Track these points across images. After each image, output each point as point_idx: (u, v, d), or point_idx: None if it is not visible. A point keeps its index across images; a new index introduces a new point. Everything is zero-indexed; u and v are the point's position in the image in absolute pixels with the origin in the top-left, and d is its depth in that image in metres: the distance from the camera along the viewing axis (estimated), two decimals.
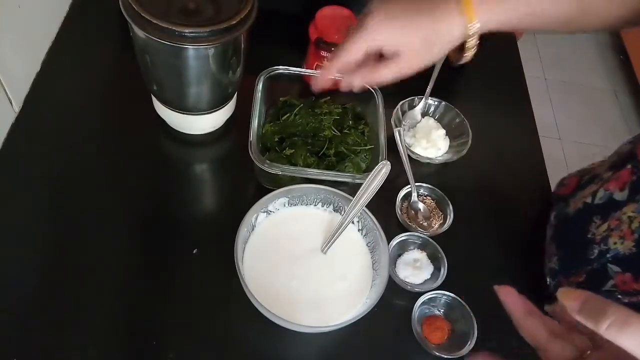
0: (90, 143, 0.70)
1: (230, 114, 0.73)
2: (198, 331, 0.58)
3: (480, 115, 0.81)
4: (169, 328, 0.58)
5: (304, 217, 0.63)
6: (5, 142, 0.67)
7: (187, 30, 0.55)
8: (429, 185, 0.72)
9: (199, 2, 0.58)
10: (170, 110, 0.68)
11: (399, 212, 0.70)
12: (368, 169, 0.68)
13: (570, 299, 0.34)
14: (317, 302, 0.57)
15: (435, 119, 0.80)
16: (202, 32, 0.55)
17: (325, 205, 0.63)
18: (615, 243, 0.56)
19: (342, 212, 0.61)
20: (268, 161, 0.63)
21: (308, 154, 0.67)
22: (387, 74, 0.54)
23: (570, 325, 0.36)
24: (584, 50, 2.46)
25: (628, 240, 0.55)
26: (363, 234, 0.62)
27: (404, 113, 0.79)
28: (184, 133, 0.72)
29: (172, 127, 0.72)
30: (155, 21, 0.54)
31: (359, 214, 0.59)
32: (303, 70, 0.73)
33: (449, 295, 0.63)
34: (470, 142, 0.75)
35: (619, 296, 0.56)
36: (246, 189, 0.70)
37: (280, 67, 0.71)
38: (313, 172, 0.63)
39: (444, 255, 0.65)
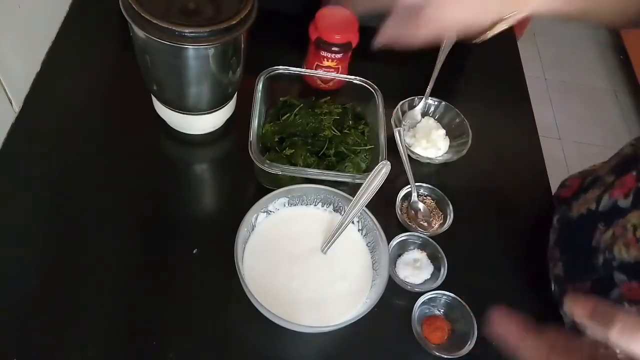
0: (90, 143, 0.70)
1: (230, 114, 0.73)
2: (198, 331, 0.58)
3: (480, 115, 0.81)
4: (169, 328, 0.58)
5: (304, 217, 0.63)
6: (5, 142, 0.67)
7: (187, 30, 0.55)
8: (429, 185, 0.72)
9: (199, 2, 0.58)
10: (170, 110, 0.68)
11: (399, 212, 0.70)
12: (368, 169, 0.68)
13: (578, 307, 0.33)
14: (317, 302, 0.57)
15: (435, 119, 0.80)
16: (202, 32, 0.55)
17: (325, 205, 0.63)
18: (620, 251, 0.56)
19: (342, 212, 0.61)
20: (268, 161, 0.63)
21: (308, 154, 0.67)
22: (426, 24, 0.51)
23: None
24: (584, 50, 2.46)
25: (633, 248, 0.54)
26: (363, 234, 0.62)
27: (404, 113, 0.79)
28: (184, 133, 0.72)
29: (172, 127, 0.72)
30: (155, 21, 0.54)
31: (359, 214, 0.59)
32: (303, 70, 0.73)
33: (449, 295, 0.63)
34: (470, 142, 0.75)
35: (627, 305, 0.55)
36: (246, 189, 0.70)
37: (280, 67, 0.71)
38: (313, 172, 0.63)
39: (444, 255, 0.65)
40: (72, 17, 0.81)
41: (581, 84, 2.33)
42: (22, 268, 0.59)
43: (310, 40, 0.76)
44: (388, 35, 0.54)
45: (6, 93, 0.66)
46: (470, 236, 0.71)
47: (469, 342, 0.59)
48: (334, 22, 0.74)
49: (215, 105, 0.69)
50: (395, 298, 0.63)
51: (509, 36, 0.97)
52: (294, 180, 0.64)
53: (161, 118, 0.71)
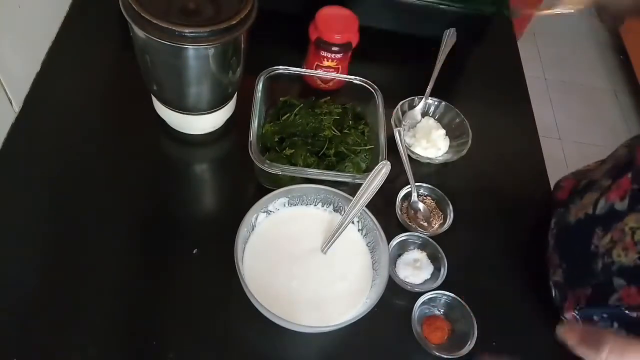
0: (90, 143, 0.70)
1: (230, 114, 0.73)
2: (198, 331, 0.58)
3: (480, 115, 0.81)
4: (169, 328, 0.58)
5: (304, 217, 0.63)
6: (5, 142, 0.67)
7: (187, 30, 0.55)
8: (429, 185, 0.72)
9: (199, 2, 0.58)
10: (170, 110, 0.68)
11: (399, 212, 0.70)
12: (368, 169, 0.68)
13: (568, 334, 0.35)
14: (317, 302, 0.57)
15: (435, 119, 0.80)
16: (202, 32, 0.55)
17: (325, 205, 0.63)
18: (619, 255, 0.56)
19: (342, 212, 0.61)
20: (268, 161, 0.63)
21: (308, 154, 0.67)
22: None
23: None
24: (584, 50, 2.46)
25: (632, 252, 0.54)
26: (363, 234, 0.62)
27: (404, 113, 0.79)
28: (184, 133, 0.72)
29: (172, 127, 0.72)
30: (155, 21, 0.54)
31: (359, 214, 0.59)
32: (303, 70, 0.73)
33: (449, 295, 0.63)
34: (470, 142, 0.75)
35: (626, 311, 0.55)
36: (246, 189, 0.70)
37: (280, 67, 0.71)
38: (313, 172, 0.63)
39: (444, 255, 0.65)
40: (72, 17, 0.81)
41: (581, 84, 2.33)
42: (22, 268, 0.59)
43: (310, 40, 0.76)
44: None
45: (6, 93, 0.66)
46: (470, 236, 0.71)
47: (469, 342, 0.59)
48: (334, 22, 0.74)
49: (215, 105, 0.69)
50: (395, 298, 0.63)
51: (509, 36, 0.97)
52: (294, 180, 0.64)
53: (161, 118, 0.71)
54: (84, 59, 0.78)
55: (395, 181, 0.72)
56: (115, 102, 0.75)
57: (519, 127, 0.85)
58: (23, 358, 0.54)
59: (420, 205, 0.72)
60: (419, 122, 0.79)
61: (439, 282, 0.64)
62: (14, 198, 0.64)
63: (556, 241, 0.68)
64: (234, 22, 0.57)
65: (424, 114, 0.81)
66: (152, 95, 0.70)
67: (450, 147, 0.77)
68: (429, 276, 0.65)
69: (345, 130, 0.71)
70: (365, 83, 0.72)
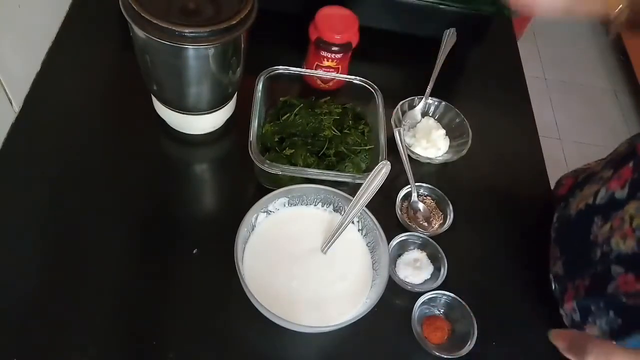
0: (90, 143, 0.70)
1: (230, 114, 0.73)
2: (198, 331, 0.58)
3: (480, 115, 0.81)
4: (169, 328, 0.58)
5: (304, 217, 0.63)
6: (5, 142, 0.67)
7: (187, 30, 0.55)
8: (429, 185, 0.72)
9: (199, 2, 0.58)
10: (170, 110, 0.68)
11: (399, 212, 0.70)
12: (368, 169, 0.68)
13: (557, 340, 0.36)
14: (317, 302, 0.57)
15: (435, 119, 0.80)
16: (202, 32, 0.55)
17: (325, 205, 0.63)
18: (617, 243, 0.56)
19: (342, 212, 0.61)
20: (268, 161, 0.63)
21: (308, 154, 0.67)
22: None
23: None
24: (584, 50, 2.46)
25: (630, 240, 0.54)
26: (363, 234, 0.62)
27: (404, 113, 0.79)
28: (184, 133, 0.72)
29: (172, 127, 0.72)
30: (155, 21, 0.54)
31: (359, 214, 0.59)
32: (303, 70, 0.73)
33: (449, 295, 0.63)
34: (470, 142, 0.75)
35: (624, 299, 0.55)
36: (246, 189, 0.70)
37: (280, 67, 0.71)
38: (313, 172, 0.63)
39: (444, 255, 0.65)
40: (72, 17, 0.81)
41: (581, 84, 2.33)
42: (22, 268, 0.59)
43: (310, 40, 0.76)
44: None
45: (6, 93, 0.66)
46: (470, 236, 0.71)
47: (469, 342, 0.59)
48: (334, 22, 0.74)
49: (215, 105, 0.69)
50: (395, 298, 0.63)
51: (509, 36, 0.97)
52: (294, 180, 0.64)
53: (161, 118, 0.71)
54: (84, 59, 0.78)
55: (395, 181, 0.72)
56: (115, 102, 0.75)
57: (519, 127, 0.85)
58: (23, 358, 0.54)
59: (420, 205, 0.72)
60: (419, 122, 0.79)
61: (439, 282, 0.64)
62: (14, 198, 0.64)
63: (557, 234, 0.68)
64: (234, 22, 0.57)
65: (424, 114, 0.81)
66: (152, 95, 0.70)
67: (450, 147, 0.77)
68: (429, 276, 0.65)
69: (345, 130, 0.71)
70: (365, 83, 0.72)
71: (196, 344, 0.57)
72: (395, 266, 0.66)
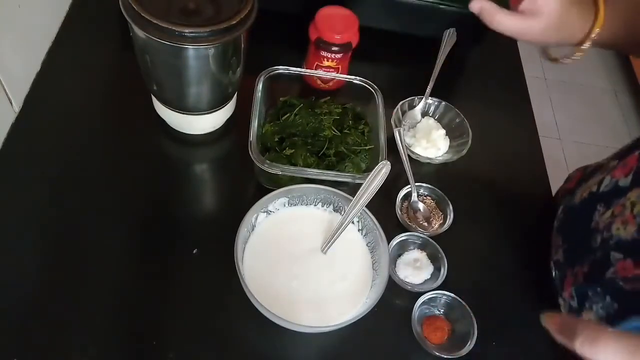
0: (90, 143, 0.70)
1: (230, 114, 0.73)
2: (198, 331, 0.58)
3: (480, 115, 0.81)
4: (169, 328, 0.58)
5: (304, 217, 0.63)
6: (5, 142, 0.67)
7: (187, 30, 0.55)
8: (429, 185, 0.72)
9: (199, 2, 0.58)
10: (170, 110, 0.68)
11: (399, 212, 0.70)
12: (368, 169, 0.68)
13: (549, 323, 0.36)
14: (317, 302, 0.57)
15: (435, 119, 0.80)
16: (202, 32, 0.55)
17: (325, 205, 0.63)
18: (618, 229, 0.56)
19: (342, 212, 0.61)
20: (268, 161, 0.63)
21: (308, 154, 0.67)
22: (507, 23, 0.55)
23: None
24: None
25: (630, 226, 0.54)
26: (363, 234, 0.62)
27: (404, 113, 0.79)
28: (184, 133, 0.72)
29: (172, 127, 0.72)
30: (155, 21, 0.54)
31: (359, 214, 0.59)
32: (303, 70, 0.73)
33: (449, 295, 0.63)
34: (470, 142, 0.75)
35: (621, 283, 0.55)
36: (246, 189, 0.70)
37: (280, 67, 0.71)
38: (313, 172, 0.63)
39: (444, 255, 0.65)
40: (72, 17, 0.81)
41: (581, 84, 2.33)
42: (22, 268, 0.59)
43: (310, 40, 0.76)
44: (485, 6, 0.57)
45: (6, 93, 0.66)
46: (470, 236, 0.71)
47: (469, 342, 0.59)
48: (334, 22, 0.74)
49: (215, 105, 0.69)
50: (395, 298, 0.63)
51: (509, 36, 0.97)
52: (294, 180, 0.64)
53: (161, 118, 0.71)
54: (84, 59, 0.78)
55: (395, 181, 0.72)
56: (115, 102, 0.75)
57: (519, 127, 0.85)
58: (23, 358, 0.54)
59: (420, 205, 0.72)
60: (419, 122, 0.79)
61: (439, 282, 0.64)
62: (14, 198, 0.64)
63: (560, 224, 0.68)
64: (234, 22, 0.57)
65: (424, 114, 0.81)
66: (152, 95, 0.70)
67: (450, 147, 0.77)
68: (429, 276, 0.65)
69: (345, 130, 0.71)
70: (365, 83, 0.72)
71: (196, 344, 0.57)
72: (395, 266, 0.66)
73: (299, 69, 0.72)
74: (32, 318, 0.56)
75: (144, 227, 0.65)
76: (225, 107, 0.70)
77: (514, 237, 0.72)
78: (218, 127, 0.73)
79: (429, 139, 0.76)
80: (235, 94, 0.72)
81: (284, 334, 0.54)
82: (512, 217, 0.74)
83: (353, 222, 0.62)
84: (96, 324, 0.57)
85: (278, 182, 0.65)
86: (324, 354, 0.61)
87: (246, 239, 0.59)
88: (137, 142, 0.72)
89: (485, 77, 0.91)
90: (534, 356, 0.63)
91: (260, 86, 0.68)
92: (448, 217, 0.70)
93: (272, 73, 0.70)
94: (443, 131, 0.78)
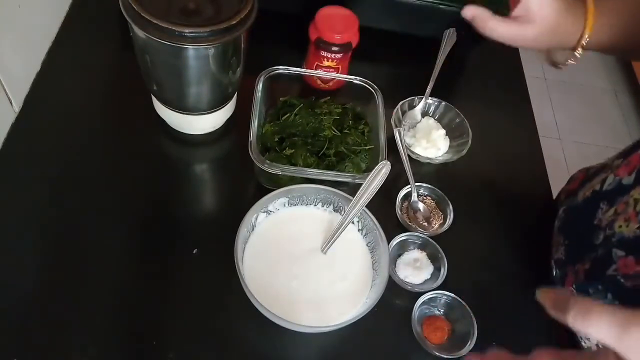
0: (90, 143, 0.70)
1: (230, 114, 0.73)
2: (198, 331, 0.58)
3: (480, 115, 0.81)
4: (169, 328, 0.58)
5: (304, 217, 0.63)
6: (5, 142, 0.67)
7: (187, 30, 0.55)
8: (429, 185, 0.72)
9: (199, 2, 0.58)
10: (170, 110, 0.68)
11: (399, 212, 0.70)
12: (368, 169, 0.68)
13: (545, 298, 0.37)
14: (317, 302, 0.57)
15: (435, 119, 0.80)
16: (202, 32, 0.55)
17: (325, 205, 0.63)
18: (620, 226, 0.56)
19: (342, 212, 0.61)
20: (268, 161, 0.63)
21: (308, 154, 0.67)
22: (500, 29, 0.56)
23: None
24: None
25: (633, 223, 0.54)
26: (363, 234, 0.62)
27: (404, 113, 0.79)
28: (184, 133, 0.72)
29: (172, 127, 0.72)
30: (155, 21, 0.54)
31: (359, 214, 0.59)
32: (303, 70, 0.73)
33: (449, 295, 0.63)
34: (470, 142, 0.75)
35: (622, 280, 0.55)
36: (246, 189, 0.70)
37: (280, 67, 0.71)
38: (313, 172, 0.63)
39: (444, 255, 0.65)
40: (72, 17, 0.81)
41: (581, 84, 2.33)
42: (22, 268, 0.59)
43: (310, 40, 0.76)
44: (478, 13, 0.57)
45: (6, 93, 0.66)
46: (470, 236, 0.71)
47: (469, 342, 0.59)
48: (334, 22, 0.74)
49: (215, 105, 0.69)
50: (395, 298, 0.63)
51: None
52: (294, 180, 0.64)
53: (161, 118, 0.71)
54: (84, 59, 0.78)
55: (395, 181, 0.72)
56: (115, 102, 0.75)
57: (519, 127, 0.85)
58: (23, 358, 0.54)
59: (420, 205, 0.72)
60: (419, 122, 0.79)
61: (439, 282, 0.64)
62: (14, 198, 0.64)
63: (562, 223, 0.68)
64: (234, 22, 0.57)
65: (424, 114, 0.81)
66: (152, 95, 0.70)
67: (450, 147, 0.77)
68: (429, 276, 0.65)
69: (345, 130, 0.71)
70: (365, 83, 0.73)
71: (196, 344, 0.57)
72: (395, 266, 0.66)
73: (299, 69, 0.72)
74: (32, 318, 0.56)
75: (144, 227, 0.65)
76: (225, 107, 0.70)
77: (514, 237, 0.72)
78: (218, 127, 0.73)
79: (429, 139, 0.76)
80: (235, 94, 0.72)
81: (284, 334, 0.54)
82: (512, 217, 0.74)
83: (353, 222, 0.62)
84: (96, 324, 0.57)
85: (278, 182, 0.65)
86: (324, 354, 0.61)
87: (246, 239, 0.59)
88: (137, 142, 0.72)
89: (485, 77, 0.91)
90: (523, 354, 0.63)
91: (260, 86, 0.68)
92: (448, 217, 0.70)
93: (272, 73, 0.70)
94: (443, 131, 0.78)
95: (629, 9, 0.57)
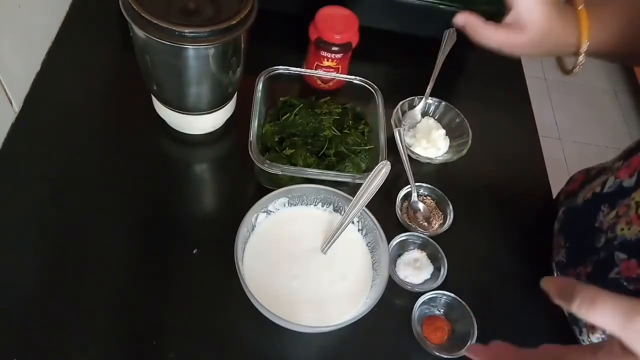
0: (90, 143, 0.70)
1: (230, 114, 0.73)
2: (198, 331, 0.58)
3: (480, 115, 0.81)
4: (169, 328, 0.58)
5: (304, 217, 0.63)
6: (5, 142, 0.67)
7: (187, 30, 0.55)
8: (429, 185, 0.72)
9: (199, 2, 0.58)
10: (170, 110, 0.68)
11: (399, 212, 0.70)
12: (368, 169, 0.68)
13: (549, 286, 0.36)
14: (317, 302, 0.57)
15: (435, 119, 0.80)
16: (202, 32, 0.55)
17: (325, 205, 0.63)
18: (622, 229, 0.56)
19: (342, 212, 0.61)
20: (268, 161, 0.63)
21: (308, 154, 0.67)
22: (492, 36, 0.56)
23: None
24: None
25: (635, 226, 0.54)
26: (363, 234, 0.62)
27: (404, 113, 0.79)
28: (184, 133, 0.72)
29: (172, 127, 0.72)
30: (155, 21, 0.54)
31: (359, 214, 0.59)
32: (303, 70, 0.73)
33: (449, 295, 0.63)
34: (470, 142, 0.75)
35: (624, 283, 0.55)
36: (246, 189, 0.70)
37: (280, 67, 0.71)
38: (313, 172, 0.63)
39: (444, 255, 0.65)
40: (72, 17, 0.81)
41: (581, 84, 2.33)
42: (22, 268, 0.59)
43: (310, 40, 0.76)
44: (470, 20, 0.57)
45: (6, 93, 0.66)
46: (470, 236, 0.71)
47: (469, 342, 0.59)
48: (334, 22, 0.74)
49: (215, 105, 0.69)
50: (395, 298, 0.63)
51: None
52: (294, 180, 0.64)
53: (161, 118, 0.71)
54: (84, 59, 0.78)
55: (395, 181, 0.72)
56: (115, 102, 0.75)
57: (519, 127, 0.85)
58: (23, 358, 0.54)
59: (420, 205, 0.72)
60: (419, 122, 0.79)
61: (439, 282, 0.64)
62: (14, 198, 0.64)
63: (562, 224, 0.68)
64: (234, 22, 0.57)
65: (424, 114, 0.81)
66: (152, 95, 0.70)
67: (450, 147, 0.77)
68: (429, 276, 0.65)
69: (345, 130, 0.71)
70: (365, 83, 0.73)
71: (196, 344, 0.57)
72: (395, 266, 0.66)
73: (299, 69, 0.72)
74: (32, 318, 0.56)
75: (144, 227, 0.65)
76: (225, 107, 0.70)
77: (514, 237, 0.72)
78: (218, 127, 0.73)
79: (429, 139, 0.76)
80: (235, 94, 0.72)
81: (284, 334, 0.54)
82: (512, 217, 0.74)
83: (353, 222, 0.62)
84: (96, 324, 0.57)
85: (278, 182, 0.65)
86: (324, 354, 0.61)
87: (246, 239, 0.59)
88: (137, 142, 0.72)
89: (485, 77, 0.91)
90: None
91: (260, 86, 0.68)
92: (448, 217, 0.70)
93: (272, 73, 0.70)
94: (443, 131, 0.78)
95: (626, 14, 0.57)
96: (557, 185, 0.80)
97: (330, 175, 0.63)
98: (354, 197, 0.58)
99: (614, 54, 0.60)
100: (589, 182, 0.68)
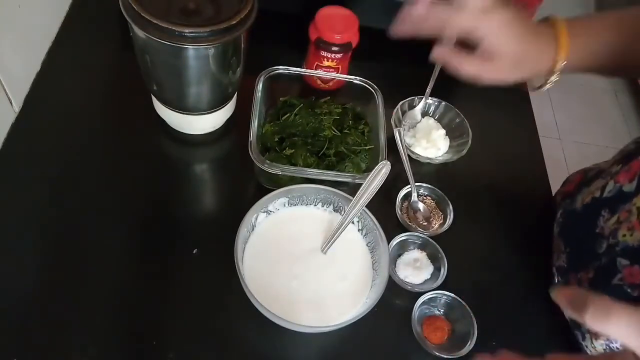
0: (90, 143, 0.70)
1: (230, 114, 0.73)
2: (198, 331, 0.58)
3: (480, 115, 0.81)
4: (169, 328, 0.58)
5: (304, 217, 0.63)
6: (5, 142, 0.67)
7: (187, 30, 0.55)
8: (429, 185, 0.72)
9: (199, 2, 0.58)
10: (170, 110, 0.68)
11: (399, 212, 0.70)
12: (368, 169, 0.68)
13: (560, 296, 0.36)
14: (317, 302, 0.57)
15: (435, 119, 0.80)
16: (202, 32, 0.55)
17: (325, 205, 0.63)
18: (624, 235, 0.55)
19: (342, 212, 0.61)
20: (268, 161, 0.63)
21: (308, 154, 0.67)
22: (467, 68, 0.55)
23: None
24: None
25: (637, 232, 0.54)
26: (363, 234, 0.62)
27: (404, 113, 0.79)
28: (184, 133, 0.72)
29: (172, 127, 0.72)
30: (155, 21, 0.54)
31: (359, 214, 0.59)
32: (303, 70, 0.73)
33: (449, 295, 0.63)
34: (470, 142, 0.75)
35: (628, 289, 0.55)
36: (246, 189, 0.70)
37: (280, 67, 0.71)
38: (313, 172, 0.63)
39: (444, 255, 0.65)
40: (72, 17, 0.81)
41: (581, 84, 2.33)
42: (22, 268, 0.59)
43: (310, 40, 0.76)
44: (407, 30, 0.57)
45: (6, 93, 0.66)
46: (470, 236, 0.71)
47: (469, 342, 0.59)
48: (334, 22, 0.74)
49: (215, 105, 0.69)
50: (395, 298, 0.63)
51: None
52: (294, 180, 0.64)
53: (161, 118, 0.71)
54: (84, 59, 0.78)
55: (395, 181, 0.72)
56: (115, 102, 0.75)
57: (519, 127, 0.85)
58: (23, 358, 0.54)
59: (420, 205, 0.72)
60: (419, 122, 0.79)
61: (439, 282, 0.64)
62: (14, 198, 0.64)
63: (562, 228, 0.68)
64: (234, 22, 0.57)
65: (424, 114, 0.81)
66: (152, 95, 0.70)
67: (450, 147, 0.77)
68: (429, 276, 0.65)
69: (345, 130, 0.71)
70: (365, 83, 0.73)
71: (196, 344, 0.57)
72: (395, 266, 0.66)
73: (299, 69, 0.72)
74: (32, 318, 0.56)
75: (144, 227, 0.65)
76: (225, 107, 0.70)
77: (514, 237, 0.72)
78: (218, 127, 0.73)
79: (429, 139, 0.76)
80: (235, 94, 0.72)
81: (284, 334, 0.54)
82: (512, 217, 0.74)
83: (353, 222, 0.62)
84: (96, 324, 0.57)
85: (278, 182, 0.65)
86: (324, 354, 0.61)
87: (246, 239, 0.59)
88: (137, 142, 0.72)
89: None
90: (534, 356, 0.63)
91: (260, 86, 0.68)
92: (448, 217, 0.70)
93: (272, 73, 0.70)
94: (443, 131, 0.78)
95: (607, 30, 0.56)
96: (557, 185, 0.80)
97: (330, 175, 0.63)
98: (354, 197, 0.58)
99: (602, 69, 0.59)
100: (586, 184, 0.67)
